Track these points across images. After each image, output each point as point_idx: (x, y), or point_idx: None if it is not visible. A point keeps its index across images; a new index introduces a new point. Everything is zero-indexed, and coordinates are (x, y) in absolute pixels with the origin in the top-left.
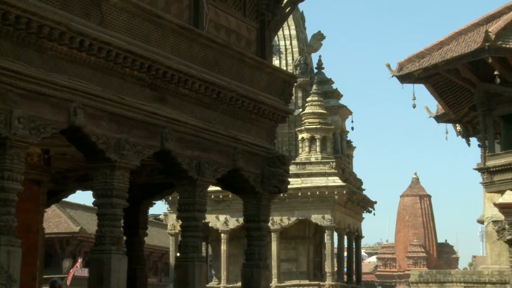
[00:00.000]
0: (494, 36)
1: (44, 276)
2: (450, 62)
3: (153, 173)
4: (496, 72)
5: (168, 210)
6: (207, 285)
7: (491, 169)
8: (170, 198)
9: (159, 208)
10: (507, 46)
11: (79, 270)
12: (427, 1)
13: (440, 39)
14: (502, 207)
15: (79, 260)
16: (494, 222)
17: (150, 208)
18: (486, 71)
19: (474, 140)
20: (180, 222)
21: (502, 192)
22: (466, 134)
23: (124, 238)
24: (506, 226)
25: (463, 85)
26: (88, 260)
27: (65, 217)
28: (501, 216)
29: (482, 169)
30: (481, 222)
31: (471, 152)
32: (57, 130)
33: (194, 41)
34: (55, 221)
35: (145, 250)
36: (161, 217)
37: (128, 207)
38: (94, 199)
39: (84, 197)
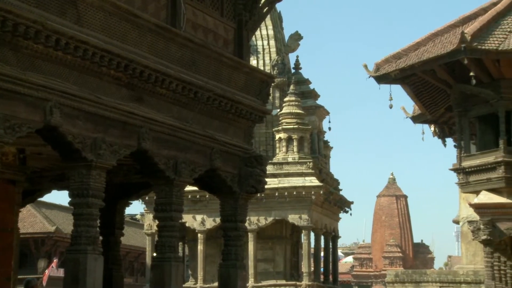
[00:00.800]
0: (470, 37)
1: (18, 277)
2: (426, 63)
3: (130, 172)
4: (472, 73)
5: (144, 210)
6: (183, 285)
7: (467, 170)
8: (146, 198)
9: (135, 208)
10: (483, 47)
11: (54, 270)
12: (404, 2)
13: (416, 40)
14: (477, 207)
15: (54, 260)
16: (470, 222)
17: (127, 208)
18: (462, 72)
19: (450, 141)
20: (156, 222)
21: (477, 192)
22: (442, 135)
23: (100, 238)
24: (481, 226)
25: (440, 86)
26: (64, 260)
27: (40, 217)
28: (476, 217)
29: (458, 170)
30: (456, 222)
31: (447, 152)
32: (32, 130)
33: (172, 40)
34: (30, 221)
35: (121, 250)
36: (138, 217)
37: (104, 207)
38: (70, 199)
39: (59, 197)
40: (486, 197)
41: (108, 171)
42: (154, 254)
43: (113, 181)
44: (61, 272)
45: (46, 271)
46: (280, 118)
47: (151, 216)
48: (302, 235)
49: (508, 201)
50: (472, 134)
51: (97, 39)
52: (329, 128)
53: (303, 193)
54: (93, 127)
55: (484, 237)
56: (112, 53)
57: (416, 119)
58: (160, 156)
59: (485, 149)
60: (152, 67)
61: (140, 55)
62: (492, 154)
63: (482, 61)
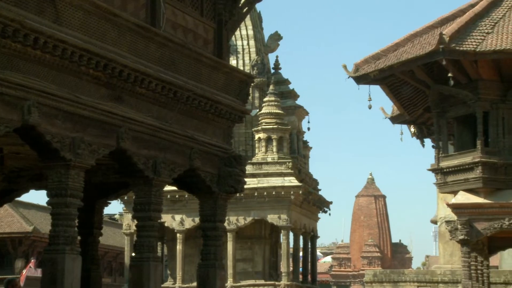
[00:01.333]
0: (448, 38)
1: None
2: (405, 63)
3: (109, 172)
4: (450, 74)
5: (123, 210)
6: (162, 285)
7: (445, 170)
8: (125, 198)
9: (114, 207)
10: (461, 48)
11: (32, 270)
12: (384, 3)
13: (395, 41)
14: (455, 208)
15: (32, 260)
16: (447, 222)
17: (105, 208)
18: (440, 73)
19: (428, 141)
20: (135, 221)
21: (455, 192)
22: (420, 135)
23: (79, 238)
24: (459, 226)
25: (418, 86)
26: (41, 260)
27: (18, 217)
28: (454, 217)
29: (436, 170)
30: (434, 222)
31: (425, 153)
32: (10, 129)
33: (151, 40)
34: (7, 220)
35: (99, 250)
36: (116, 216)
37: (83, 207)
38: (48, 199)
39: (37, 197)
40: (463, 197)
41: (87, 171)
42: (133, 254)
43: (91, 180)
44: (38, 272)
45: (24, 271)
46: (260, 118)
47: (129, 216)
48: (281, 235)
49: (485, 201)
50: (450, 134)
51: (76, 38)
52: (308, 128)
53: (282, 193)
54: (72, 126)
55: (461, 237)
56: (91, 52)
57: (394, 119)
58: (139, 156)
59: (462, 150)
60: (131, 66)
61: (119, 54)
62: (470, 155)
63: (460, 62)
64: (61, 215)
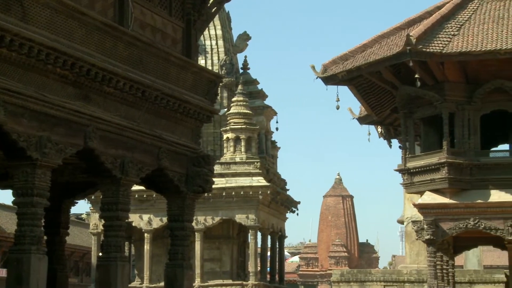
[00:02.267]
0: (415, 40)
1: None
2: (372, 64)
3: (76, 171)
4: (417, 76)
5: (90, 209)
6: (129, 285)
7: (411, 171)
8: (93, 197)
9: (81, 207)
10: (428, 50)
11: None
12: (351, 4)
13: (363, 42)
14: (421, 208)
15: None
16: (413, 222)
17: (72, 207)
18: (407, 74)
19: (395, 142)
20: (102, 221)
21: (421, 193)
22: (387, 136)
23: (45, 237)
24: (425, 226)
25: (385, 87)
26: (7, 260)
27: None
28: (420, 217)
29: (403, 170)
30: (401, 222)
31: (393, 153)
32: None
33: (119, 39)
34: None
35: (66, 249)
36: (83, 216)
37: (49, 206)
38: (14, 198)
39: (3, 196)
40: (429, 198)
41: (54, 170)
42: (100, 254)
43: (58, 180)
44: (3, 272)
45: None
46: (228, 118)
47: (97, 215)
48: (249, 234)
49: (451, 201)
50: (417, 135)
51: (43, 37)
52: (277, 128)
53: (250, 193)
54: (39, 125)
55: (427, 236)
56: (58, 51)
57: (362, 120)
58: (107, 155)
59: (429, 150)
60: (99, 65)
61: (87, 53)
62: (436, 155)
63: (426, 64)
64: (27, 214)
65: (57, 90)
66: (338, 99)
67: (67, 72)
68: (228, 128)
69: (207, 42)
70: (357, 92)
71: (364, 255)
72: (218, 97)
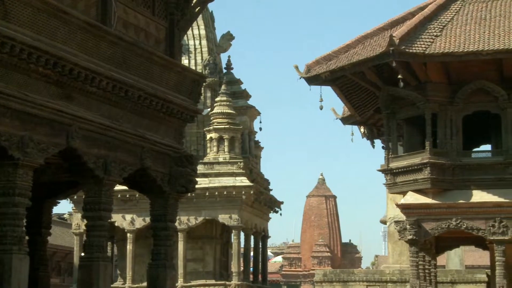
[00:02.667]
0: (398, 40)
1: None
2: (356, 65)
3: (58, 171)
4: (399, 76)
5: (73, 209)
6: (112, 285)
7: (394, 171)
8: (75, 197)
9: (63, 207)
10: (410, 51)
11: None
12: (336, 5)
13: (347, 42)
14: (404, 208)
15: None
16: (396, 222)
17: (54, 207)
18: (390, 75)
19: (378, 142)
20: (85, 221)
21: (404, 193)
22: (371, 136)
23: (27, 237)
24: (407, 227)
25: (369, 88)
26: None
27: None
28: (402, 217)
29: (386, 171)
30: (383, 222)
31: (376, 154)
32: None
33: (102, 38)
34: None
35: (48, 249)
36: (66, 216)
37: (31, 206)
38: None
39: None
40: (412, 198)
41: (36, 170)
42: (82, 254)
43: (40, 179)
44: None
45: None
46: (211, 118)
47: (79, 215)
48: (232, 235)
49: (433, 201)
50: (400, 135)
51: (25, 36)
52: (260, 129)
53: (234, 193)
54: (20, 125)
55: (410, 237)
56: (41, 50)
57: (345, 120)
58: (90, 155)
59: (412, 151)
60: (82, 65)
61: (69, 52)
62: (419, 156)
63: (409, 64)
64: (8, 214)
65: (39, 90)
66: (322, 99)
67: (50, 71)
68: (211, 128)
69: (191, 42)
70: (341, 92)
71: (347, 255)
72: (202, 97)
